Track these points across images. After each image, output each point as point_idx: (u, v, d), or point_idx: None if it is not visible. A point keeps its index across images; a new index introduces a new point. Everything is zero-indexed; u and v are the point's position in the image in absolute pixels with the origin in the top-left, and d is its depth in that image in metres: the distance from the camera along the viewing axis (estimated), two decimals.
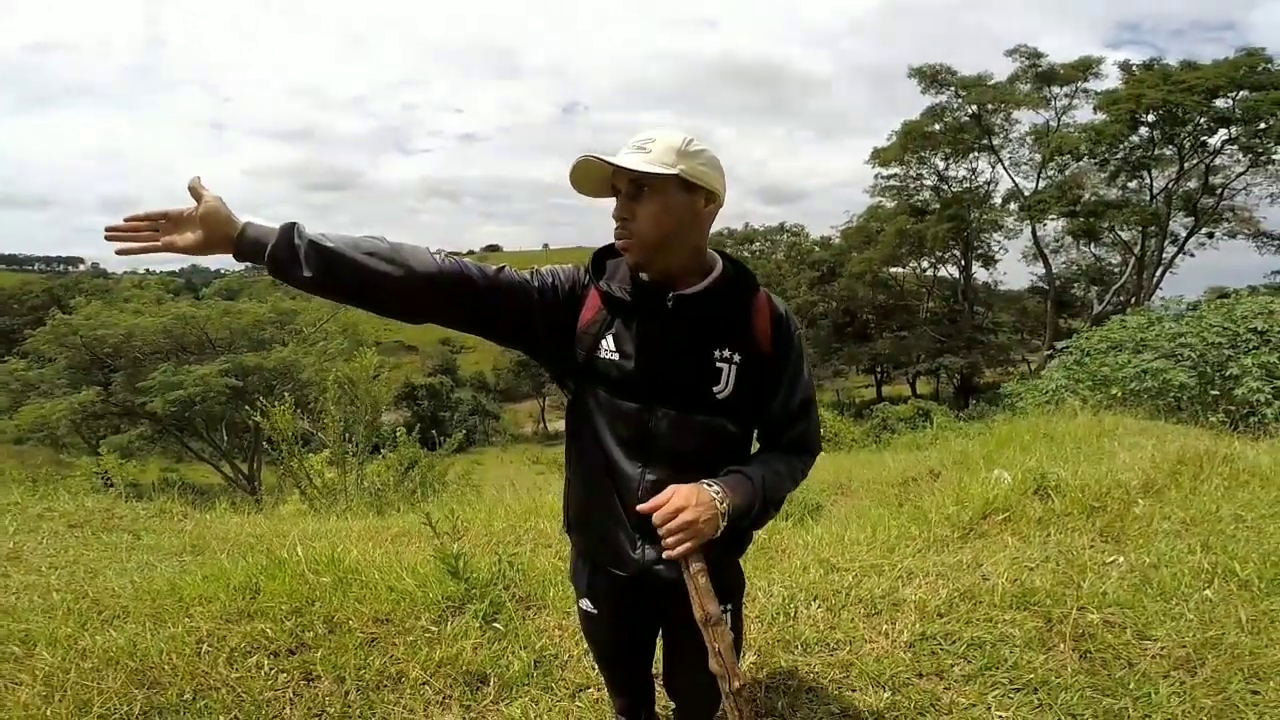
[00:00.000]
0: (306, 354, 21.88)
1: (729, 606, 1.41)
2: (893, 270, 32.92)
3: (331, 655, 2.09)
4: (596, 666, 1.74)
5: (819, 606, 2.45)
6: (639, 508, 1.24)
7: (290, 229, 1.18)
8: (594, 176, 1.26)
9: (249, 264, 1.23)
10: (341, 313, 26.21)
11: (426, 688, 1.96)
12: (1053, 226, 28.68)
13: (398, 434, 8.21)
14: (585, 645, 2.20)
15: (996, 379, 29.76)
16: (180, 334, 22.10)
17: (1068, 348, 10.75)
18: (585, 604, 1.52)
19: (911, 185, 31.08)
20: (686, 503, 1.18)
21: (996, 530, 3.30)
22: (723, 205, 1.30)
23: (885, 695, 1.99)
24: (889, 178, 31.12)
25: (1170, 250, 25.78)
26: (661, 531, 1.18)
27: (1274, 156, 22.72)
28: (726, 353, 1.29)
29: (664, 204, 1.21)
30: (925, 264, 32.53)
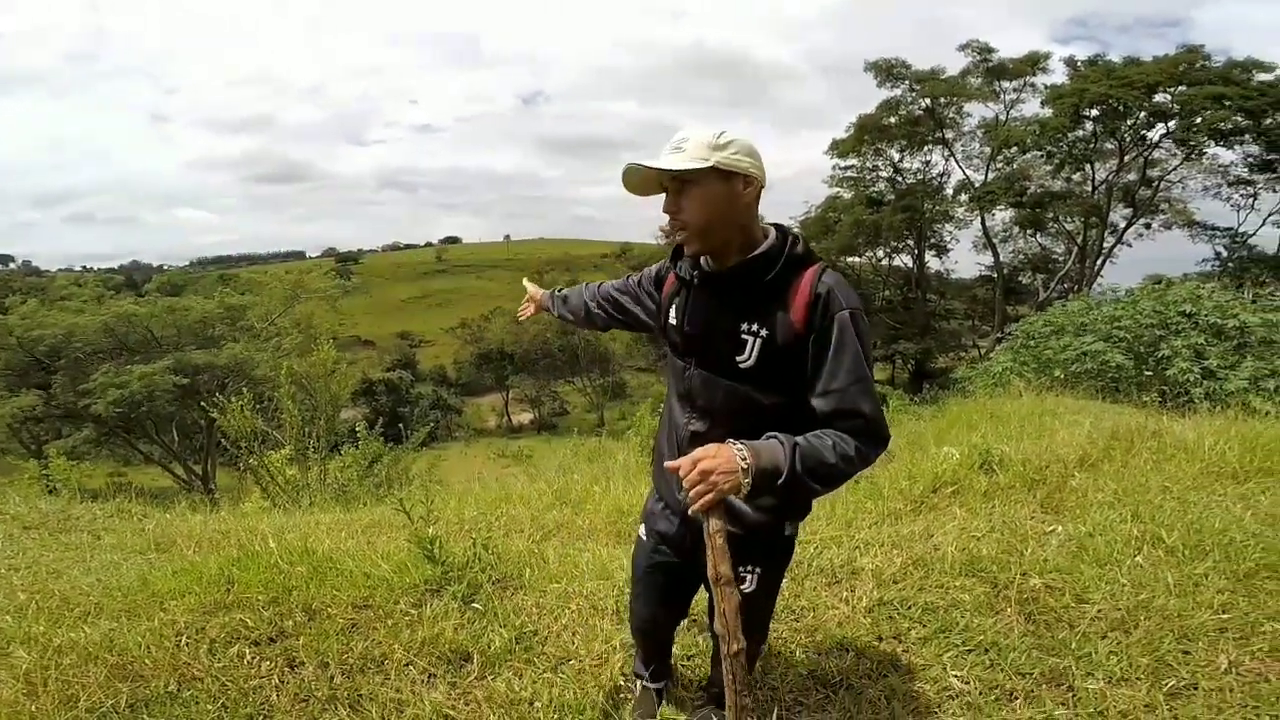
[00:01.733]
0: (260, 350, 21.28)
1: (757, 570, 1.54)
2: (850, 259, 33.51)
3: (313, 641, 2.13)
4: (630, 604, 1.86)
5: (784, 577, 2.57)
6: (665, 464, 1.35)
7: (551, 295, 2.07)
8: (643, 179, 1.43)
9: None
10: (295, 308, 25.57)
11: (411, 667, 2.01)
12: (1001, 217, 29.52)
13: (357, 430, 8.09)
14: (563, 620, 2.30)
15: (949, 364, 30.73)
16: (123, 333, 21.26)
17: (1014, 333, 11.18)
18: (641, 529, 1.76)
19: (868, 176, 31.60)
20: (705, 455, 1.24)
21: (945, 503, 3.49)
22: (764, 185, 1.42)
23: (849, 657, 2.12)
24: (846, 169, 31.62)
25: (1110, 240, 26.89)
26: (685, 484, 1.24)
27: (1205, 150, 23.84)
28: (754, 326, 1.38)
29: (705, 195, 1.36)
30: (881, 253, 33.19)
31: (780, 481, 1.26)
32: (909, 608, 2.35)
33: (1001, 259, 29.71)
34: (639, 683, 1.93)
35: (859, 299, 1.39)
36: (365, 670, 2.01)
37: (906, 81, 27.73)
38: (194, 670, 1.96)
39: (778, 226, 1.46)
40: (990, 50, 27.01)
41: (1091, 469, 3.80)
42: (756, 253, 1.41)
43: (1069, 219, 27.80)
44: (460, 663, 2.05)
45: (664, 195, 1.44)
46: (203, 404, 8.49)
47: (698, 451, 1.27)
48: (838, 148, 30.53)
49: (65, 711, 1.75)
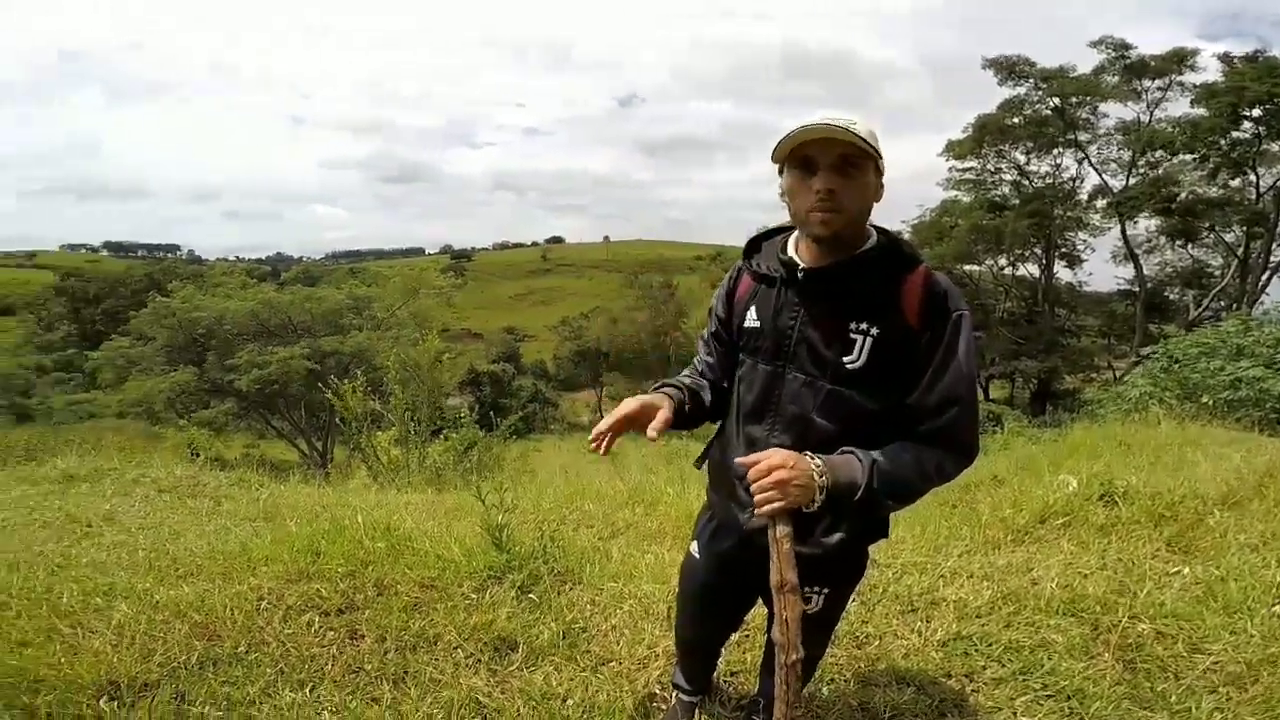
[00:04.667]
0: (381, 339, 22.83)
1: (825, 590, 1.45)
2: (967, 267, 31.53)
3: (377, 616, 2.21)
4: (676, 619, 1.80)
5: (853, 600, 2.40)
6: (737, 460, 1.27)
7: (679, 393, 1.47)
8: (792, 147, 1.27)
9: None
10: (414, 301, 27.26)
11: (459, 650, 2.05)
12: (1144, 225, 26.88)
13: (461, 417, 8.46)
14: (613, 620, 2.27)
15: (1077, 385, 28.15)
16: (265, 317, 23.46)
17: (1156, 354, 10.12)
18: (693, 546, 1.65)
19: (989, 179, 29.67)
20: (784, 463, 1.20)
21: (1053, 535, 3.17)
22: None
23: (908, 692, 1.95)
24: (964, 171, 29.82)
25: (1279, 253, 23.75)
26: (754, 487, 1.20)
27: None
28: (864, 325, 1.29)
29: (867, 183, 1.29)
30: (1003, 262, 30.98)
31: (856, 499, 1.22)
32: (989, 645, 2.14)
33: (1145, 272, 27.00)
34: (675, 693, 1.86)
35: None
36: (417, 649, 2.05)
37: (1031, 80, 25.74)
38: (265, 635, 2.08)
39: (878, 228, 1.38)
40: (1127, 46, 24.60)
41: (1236, 508, 3.33)
42: (867, 248, 1.33)
43: (1227, 229, 24.81)
44: (506, 651, 2.06)
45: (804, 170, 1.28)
46: (320, 385, 9.18)
47: (773, 455, 1.22)
48: (954, 149, 28.83)
49: (140, 664, 1.89)
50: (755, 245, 1.49)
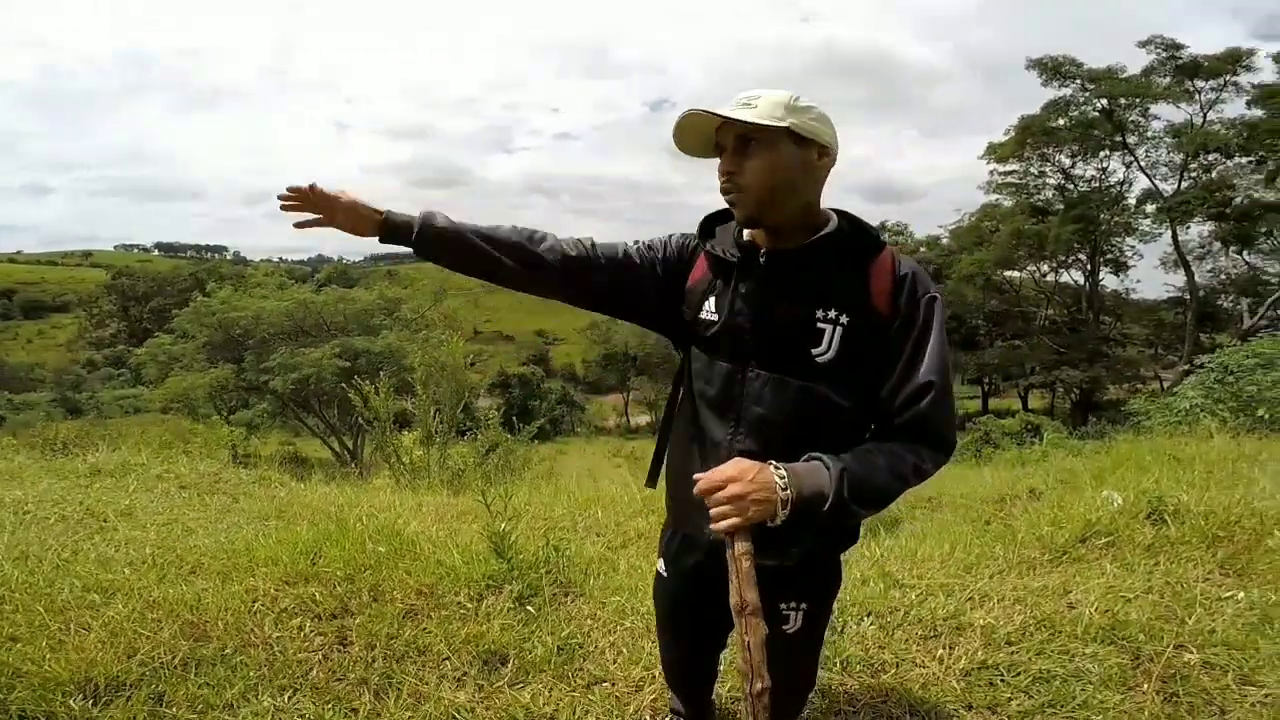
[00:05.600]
0: (411, 340, 23.14)
1: (803, 606, 1.35)
2: (1008, 274, 30.69)
3: (369, 623, 2.14)
4: (659, 644, 1.68)
5: (871, 624, 2.26)
6: (695, 476, 1.17)
7: (431, 218, 1.37)
8: (698, 135, 1.25)
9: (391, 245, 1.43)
10: (442, 303, 27.59)
11: (447, 663, 1.96)
12: (1196, 231, 25.91)
13: (489, 418, 8.44)
14: (611, 636, 2.15)
15: (1122, 395, 27.16)
16: (300, 318, 23.97)
17: (1208, 364, 9.65)
18: (660, 565, 1.52)
19: (1032, 183, 28.87)
20: (740, 476, 1.11)
21: (1095, 555, 2.97)
22: (835, 162, 1.26)
23: None
24: (1006, 175, 29.06)
25: None
26: (708, 502, 1.11)
27: None
28: (832, 313, 1.20)
29: (774, 158, 1.19)
30: (1045, 268, 30.10)
31: (825, 509, 1.12)
32: (1017, 674, 1.99)
33: (1196, 279, 25.93)
34: (672, 718, 1.72)
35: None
36: (405, 659, 1.97)
37: (1078, 80, 25.01)
38: (254, 637, 2.02)
39: (837, 211, 1.29)
40: (1178, 46, 23.77)
41: None
42: (828, 231, 1.24)
43: None
44: (496, 665, 1.97)
45: (720, 156, 1.26)
46: (342, 385, 9.26)
47: (728, 467, 1.13)
48: (995, 152, 28.14)
49: (121, 662, 1.84)
50: (709, 228, 1.37)
